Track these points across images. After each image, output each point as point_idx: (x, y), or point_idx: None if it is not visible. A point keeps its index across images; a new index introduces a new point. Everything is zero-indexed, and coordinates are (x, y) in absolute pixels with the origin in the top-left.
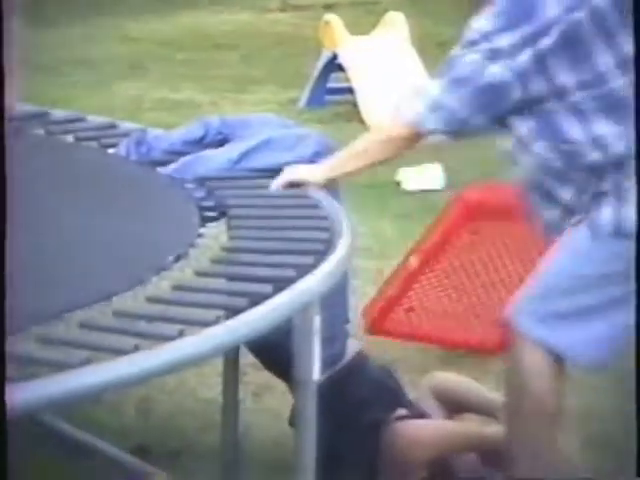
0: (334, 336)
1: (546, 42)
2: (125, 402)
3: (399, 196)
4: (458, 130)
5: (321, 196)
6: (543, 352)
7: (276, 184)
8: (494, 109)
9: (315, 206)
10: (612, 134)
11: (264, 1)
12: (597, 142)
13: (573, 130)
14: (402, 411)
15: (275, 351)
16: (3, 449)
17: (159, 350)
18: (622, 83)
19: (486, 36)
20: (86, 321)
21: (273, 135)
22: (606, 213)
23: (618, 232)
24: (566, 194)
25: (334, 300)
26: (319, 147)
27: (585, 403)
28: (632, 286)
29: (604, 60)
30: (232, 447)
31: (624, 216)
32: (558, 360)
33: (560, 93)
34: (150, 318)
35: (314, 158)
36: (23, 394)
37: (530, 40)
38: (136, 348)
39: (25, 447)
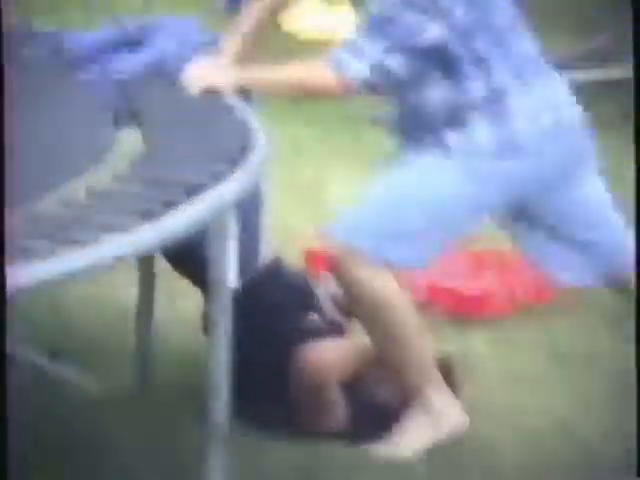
0: (247, 242)
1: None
2: (38, 307)
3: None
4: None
5: (235, 102)
6: (378, 265)
7: (190, 86)
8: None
9: (231, 111)
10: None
11: None
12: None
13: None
14: (315, 316)
15: (190, 257)
16: None
17: (74, 255)
18: None
19: None
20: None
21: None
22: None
23: (467, 153)
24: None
25: (248, 207)
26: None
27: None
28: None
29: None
30: (145, 353)
31: (472, 136)
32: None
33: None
34: (65, 222)
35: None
36: None
37: None
38: (51, 252)
39: None
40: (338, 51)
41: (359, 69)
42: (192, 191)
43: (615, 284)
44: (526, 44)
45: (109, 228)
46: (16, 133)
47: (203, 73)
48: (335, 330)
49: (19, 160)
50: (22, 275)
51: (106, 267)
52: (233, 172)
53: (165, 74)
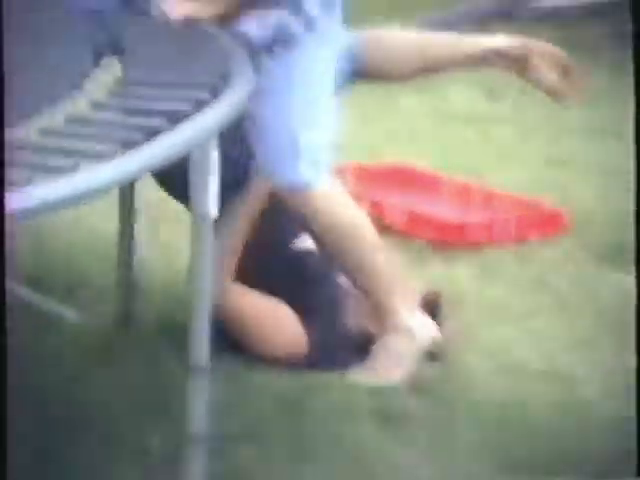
0: (236, 160)
1: None
2: (19, 237)
3: None
4: None
5: (218, 31)
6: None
7: (168, 15)
8: None
9: (212, 40)
10: None
11: None
12: None
13: None
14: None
15: (181, 181)
16: None
17: (53, 183)
18: None
19: None
20: None
21: None
22: None
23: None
24: None
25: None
26: None
27: (574, 339)
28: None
29: None
30: (127, 282)
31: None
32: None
33: None
34: (44, 150)
35: None
36: None
37: None
38: (29, 181)
39: None
40: None
41: None
42: (173, 120)
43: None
44: None
45: (89, 156)
46: None
47: (185, 5)
48: None
49: None
50: (2, 206)
51: (87, 196)
52: (215, 100)
53: (143, 4)
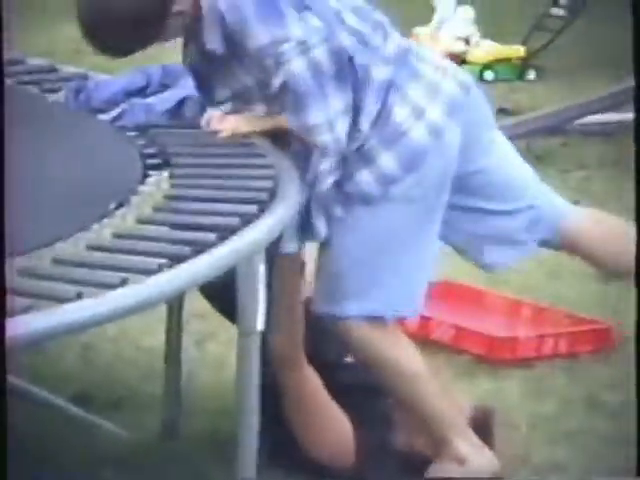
0: None
1: None
2: (67, 350)
3: None
4: None
5: (265, 145)
6: (369, 324)
7: (218, 132)
8: None
9: (259, 155)
10: None
11: None
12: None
13: None
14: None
15: (227, 296)
16: None
17: (101, 298)
18: None
19: None
20: (26, 268)
21: None
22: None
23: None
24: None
25: None
26: None
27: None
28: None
29: None
30: (174, 396)
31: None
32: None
33: None
34: (91, 266)
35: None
36: None
37: None
38: (78, 296)
39: None
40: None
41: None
42: (221, 234)
43: (559, 247)
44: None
45: (136, 271)
46: (44, 174)
47: (230, 119)
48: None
49: (44, 202)
50: (50, 318)
51: (133, 310)
52: (262, 215)
53: (191, 118)
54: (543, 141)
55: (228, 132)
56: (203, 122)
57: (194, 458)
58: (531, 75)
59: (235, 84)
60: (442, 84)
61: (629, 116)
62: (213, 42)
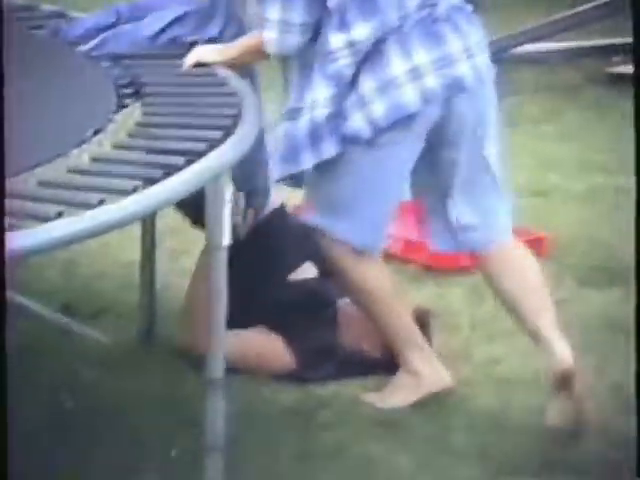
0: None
1: None
2: (50, 265)
3: None
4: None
5: (228, 75)
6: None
7: (185, 63)
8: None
9: (223, 84)
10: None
11: None
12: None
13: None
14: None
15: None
16: None
17: (81, 217)
18: None
19: None
20: (11, 190)
21: (187, 10)
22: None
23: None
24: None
25: (252, 160)
26: (226, 26)
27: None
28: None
29: None
30: (149, 305)
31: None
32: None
33: None
34: (72, 187)
35: (220, 36)
36: None
37: None
38: (59, 215)
39: None
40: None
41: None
42: (189, 158)
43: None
44: None
45: (113, 192)
46: (25, 105)
47: (196, 51)
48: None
49: (26, 130)
50: (34, 236)
51: (111, 227)
52: (227, 139)
53: (160, 49)
54: None
55: (191, 61)
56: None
57: (167, 360)
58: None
59: None
60: (458, 62)
61: (558, 45)
62: None
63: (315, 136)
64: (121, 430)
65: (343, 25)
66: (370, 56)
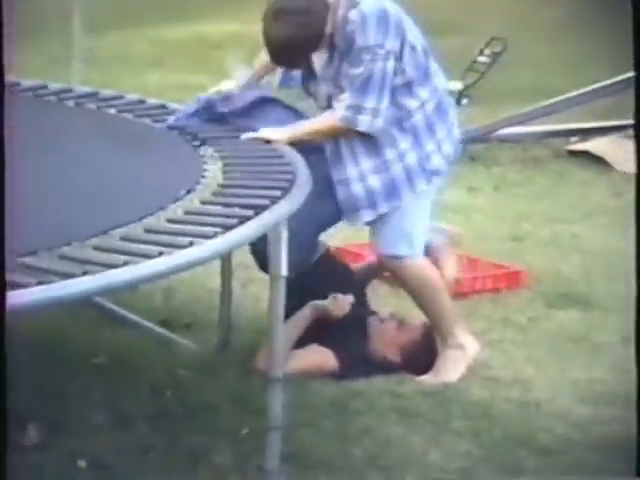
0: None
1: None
2: (153, 291)
3: None
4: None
5: (286, 150)
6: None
7: (255, 139)
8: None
9: (281, 156)
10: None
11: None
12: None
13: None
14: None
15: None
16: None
17: (176, 255)
18: None
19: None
20: (125, 235)
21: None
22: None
23: None
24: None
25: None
26: (283, 115)
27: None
28: None
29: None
30: (226, 321)
31: None
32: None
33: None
34: (169, 233)
35: (278, 123)
36: (91, 284)
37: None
38: (160, 254)
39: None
40: (346, 110)
41: (365, 122)
42: (256, 211)
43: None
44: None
45: (200, 236)
46: (136, 173)
47: (266, 131)
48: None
49: (137, 190)
50: (142, 269)
51: (197, 263)
52: (284, 198)
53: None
54: (475, 145)
55: (257, 138)
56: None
57: (239, 363)
58: (465, 101)
59: (331, 75)
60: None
61: (530, 128)
62: (340, 43)
63: (410, 177)
64: (205, 416)
65: (412, 92)
66: (437, 112)
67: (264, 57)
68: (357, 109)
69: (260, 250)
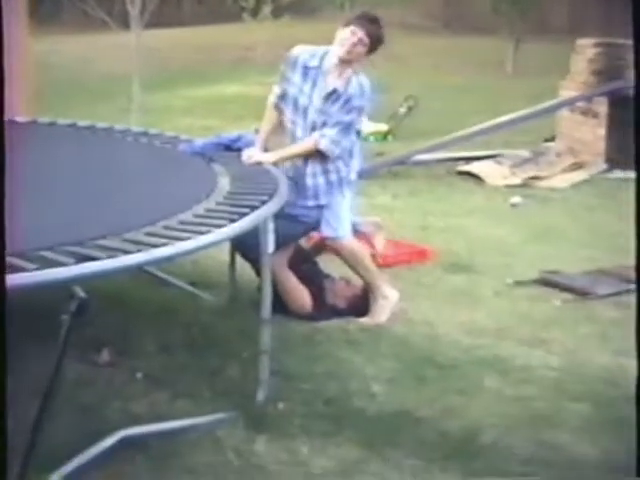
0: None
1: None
2: (184, 262)
3: None
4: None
5: (271, 168)
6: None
7: (248, 161)
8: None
9: (268, 172)
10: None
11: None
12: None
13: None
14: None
15: (247, 246)
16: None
17: (199, 239)
18: None
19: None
20: (167, 225)
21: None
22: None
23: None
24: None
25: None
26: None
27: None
28: None
29: None
30: (233, 283)
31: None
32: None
33: None
34: (194, 224)
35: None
36: (143, 258)
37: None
38: (189, 238)
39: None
40: (330, 144)
41: (335, 151)
42: (251, 209)
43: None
44: None
45: (214, 226)
46: (171, 186)
47: (255, 155)
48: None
49: (175, 195)
50: (178, 248)
51: (214, 244)
52: (270, 200)
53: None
54: (397, 167)
55: (253, 161)
56: (244, 155)
57: (244, 310)
58: (390, 138)
59: (324, 110)
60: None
61: (435, 155)
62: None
63: (340, 183)
64: (220, 344)
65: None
66: (353, 147)
67: (267, 126)
68: (336, 143)
69: (239, 244)
